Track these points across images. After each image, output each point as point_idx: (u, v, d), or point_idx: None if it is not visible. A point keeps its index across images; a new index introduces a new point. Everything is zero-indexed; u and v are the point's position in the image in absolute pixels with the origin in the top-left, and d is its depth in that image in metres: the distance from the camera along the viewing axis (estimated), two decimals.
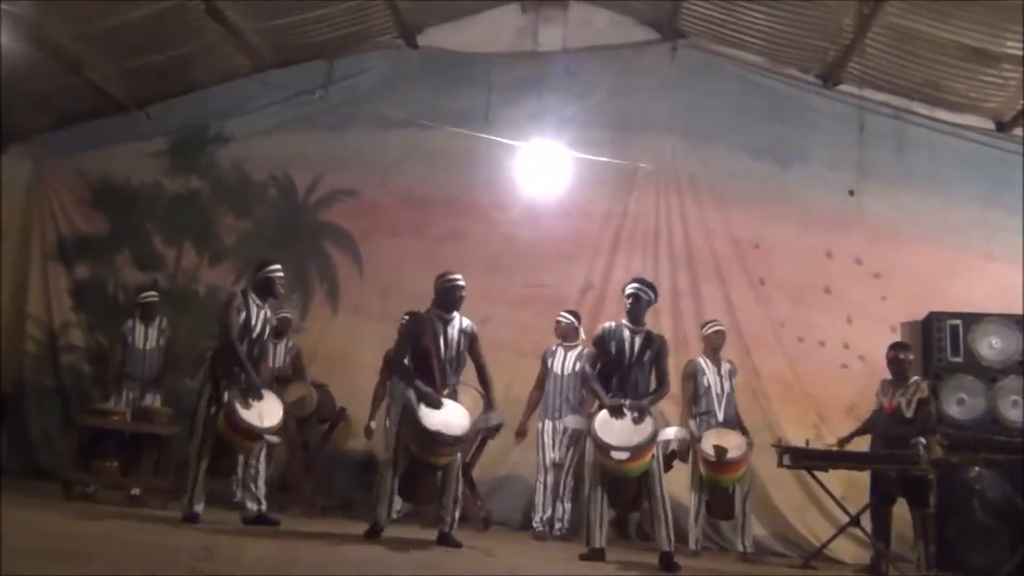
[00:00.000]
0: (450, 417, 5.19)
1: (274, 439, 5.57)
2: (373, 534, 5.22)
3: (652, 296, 5.60)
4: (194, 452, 5.54)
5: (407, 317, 5.59)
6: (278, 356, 7.42)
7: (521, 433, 7.05)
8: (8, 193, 9.20)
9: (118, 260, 9.10)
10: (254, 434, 5.41)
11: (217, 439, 5.48)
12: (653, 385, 5.56)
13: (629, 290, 5.57)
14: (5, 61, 7.58)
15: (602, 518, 5.29)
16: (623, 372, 5.45)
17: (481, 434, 7.02)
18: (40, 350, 8.92)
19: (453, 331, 5.48)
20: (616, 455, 5.09)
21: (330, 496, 7.53)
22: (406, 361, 5.43)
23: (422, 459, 5.24)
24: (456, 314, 5.52)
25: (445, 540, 5.24)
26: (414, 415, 5.11)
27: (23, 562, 2.79)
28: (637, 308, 5.53)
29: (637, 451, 5.11)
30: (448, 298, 5.49)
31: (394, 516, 6.66)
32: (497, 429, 5.90)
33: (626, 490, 5.33)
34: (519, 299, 8.36)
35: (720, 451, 6.18)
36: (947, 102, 8.28)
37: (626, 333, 5.51)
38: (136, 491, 6.70)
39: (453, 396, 5.38)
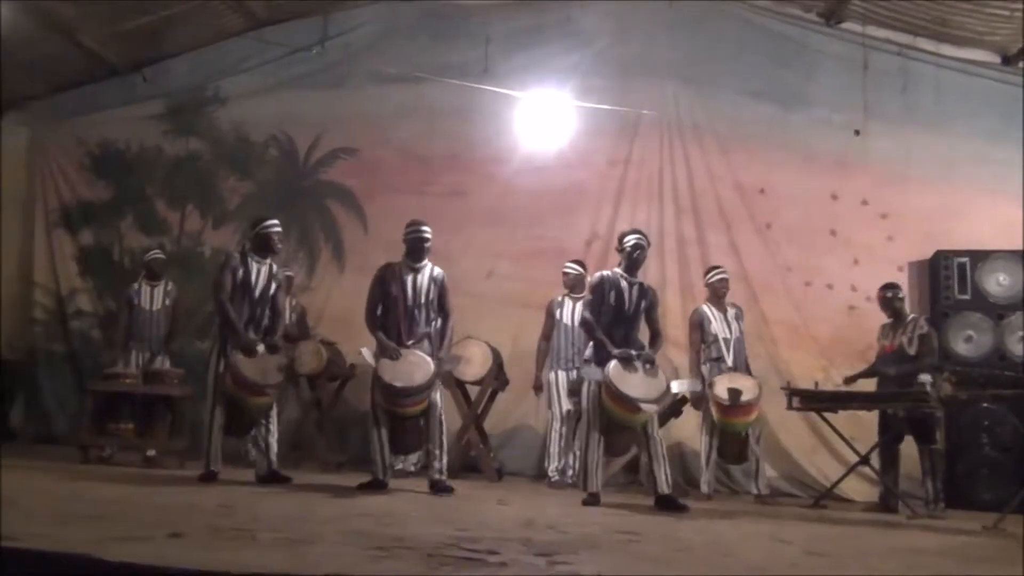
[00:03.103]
0: (406, 367, 5.30)
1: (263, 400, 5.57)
2: (369, 487, 5.30)
3: (648, 246, 5.63)
4: (208, 411, 5.62)
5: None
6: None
7: (538, 387, 7.08)
8: (8, 161, 9.18)
9: (122, 225, 9.13)
10: (257, 389, 5.46)
11: (229, 398, 5.54)
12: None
13: (632, 240, 5.53)
14: None
15: (598, 463, 5.35)
16: (623, 322, 5.47)
17: (486, 387, 7.12)
18: (49, 317, 8.99)
19: (422, 279, 5.58)
20: (646, 407, 5.14)
21: (343, 452, 7.61)
22: (378, 313, 5.60)
23: (391, 411, 5.37)
24: (427, 263, 5.63)
25: (436, 486, 5.33)
26: (375, 368, 5.30)
27: (44, 526, 2.84)
28: (641, 258, 5.53)
29: (659, 403, 5.21)
30: (413, 247, 5.61)
31: (411, 468, 6.78)
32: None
33: (620, 435, 5.41)
34: (523, 252, 8.35)
35: (734, 394, 6.22)
36: (952, 37, 8.15)
37: (623, 283, 5.49)
38: (151, 452, 6.77)
39: (427, 345, 5.50)
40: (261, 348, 5.62)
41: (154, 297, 7.40)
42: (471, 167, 8.66)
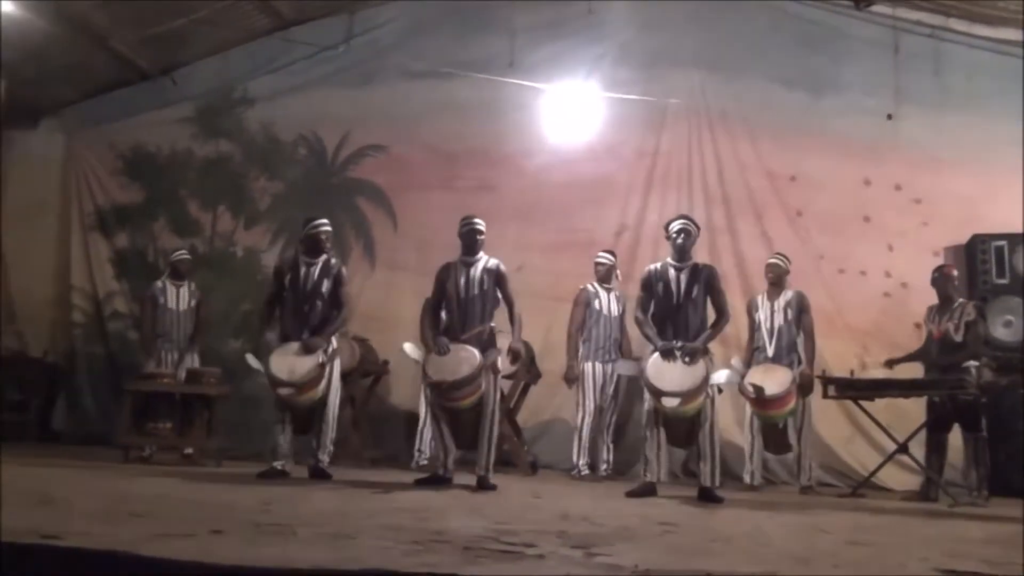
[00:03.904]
0: (453, 362, 5.31)
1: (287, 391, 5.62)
2: (427, 482, 5.36)
3: (697, 231, 5.55)
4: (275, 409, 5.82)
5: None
6: None
7: (571, 379, 7.01)
8: (44, 167, 9.33)
9: (155, 228, 9.23)
10: (277, 385, 5.56)
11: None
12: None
13: (678, 225, 5.48)
14: (32, 38, 7.65)
15: (658, 455, 5.32)
16: (673, 312, 5.38)
17: (518, 380, 7.11)
18: (87, 320, 9.14)
19: (476, 272, 5.56)
20: (667, 401, 5.10)
21: (378, 448, 7.66)
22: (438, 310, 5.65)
23: (442, 405, 5.42)
24: (481, 255, 5.62)
25: (480, 484, 5.33)
26: (424, 365, 5.36)
27: (88, 524, 2.88)
28: (688, 243, 5.46)
29: (689, 396, 5.10)
30: (466, 241, 5.64)
31: (424, 462, 6.81)
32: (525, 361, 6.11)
33: (680, 427, 5.33)
34: (553, 245, 8.34)
35: (758, 389, 6.11)
36: (985, 16, 8.01)
37: (671, 272, 5.44)
38: (190, 451, 6.86)
39: (486, 338, 5.47)
40: (296, 347, 5.68)
41: (180, 297, 7.47)
42: (499, 161, 8.67)
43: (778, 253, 7.03)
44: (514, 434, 7.21)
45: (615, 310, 7.07)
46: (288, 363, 5.59)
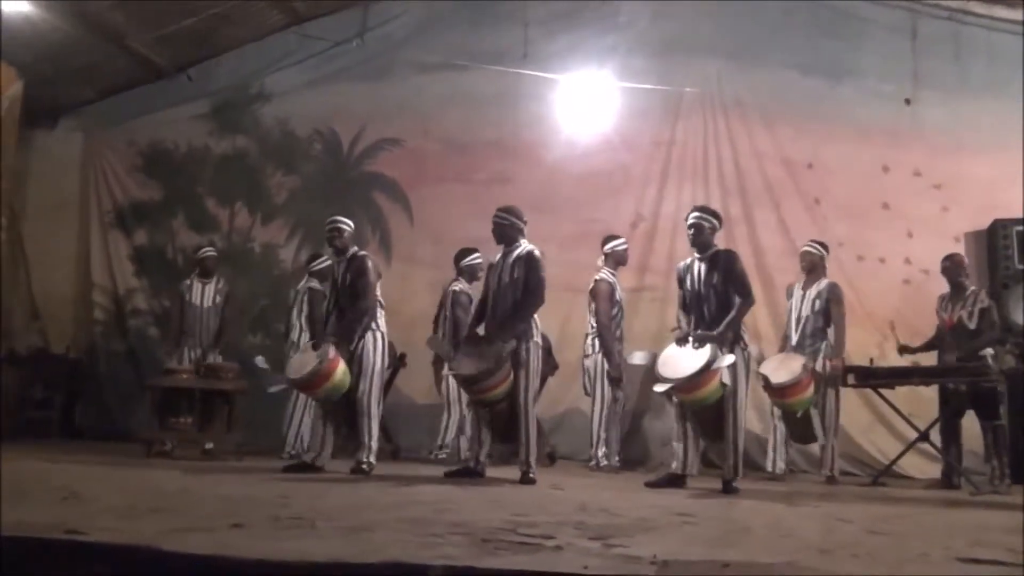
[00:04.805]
0: (475, 354, 5.35)
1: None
2: (457, 474, 5.42)
3: (715, 222, 5.48)
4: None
5: None
6: None
7: (619, 377, 6.78)
8: (64, 166, 9.42)
9: (174, 224, 9.31)
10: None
11: None
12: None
13: (690, 220, 5.48)
14: (50, 38, 7.71)
15: (686, 446, 5.29)
16: (698, 303, 5.38)
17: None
18: (108, 317, 9.23)
19: (508, 262, 5.54)
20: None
21: (397, 441, 7.68)
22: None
23: (472, 400, 5.49)
24: (517, 245, 5.57)
25: (522, 478, 5.30)
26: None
27: (110, 519, 2.91)
28: (700, 237, 5.43)
29: (690, 382, 5.05)
30: (495, 233, 5.63)
31: (442, 455, 6.85)
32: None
33: (707, 419, 5.26)
34: (570, 236, 8.30)
35: (764, 378, 6.08)
36: None
37: (696, 264, 5.43)
38: (210, 446, 6.91)
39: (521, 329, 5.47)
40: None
41: (205, 294, 7.52)
42: (515, 153, 8.66)
43: (813, 241, 6.97)
44: None
45: (624, 299, 7.05)
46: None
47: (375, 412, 5.81)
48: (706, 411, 5.23)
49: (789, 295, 6.75)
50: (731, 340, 5.23)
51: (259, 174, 9.24)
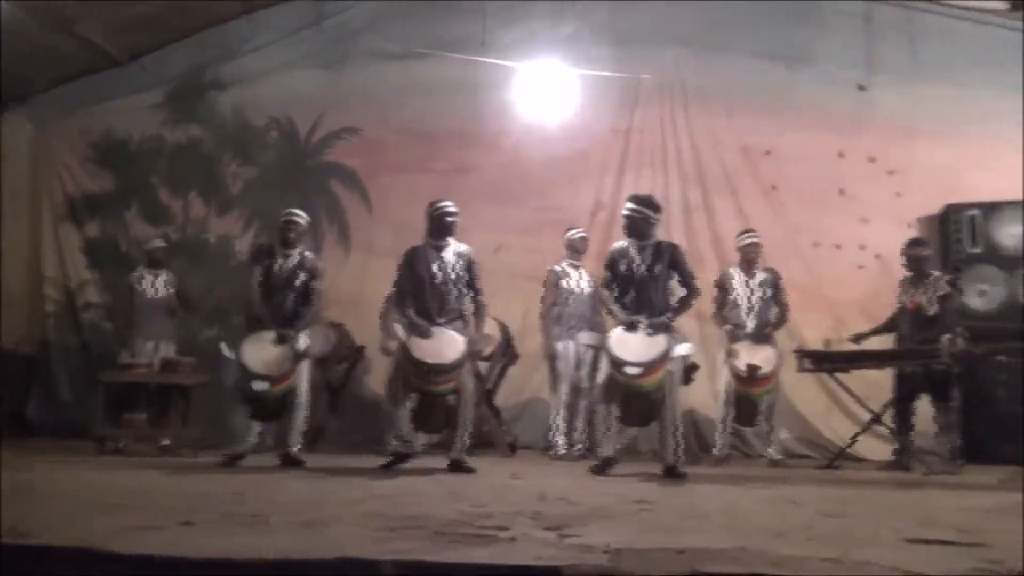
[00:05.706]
0: (437, 345, 5.28)
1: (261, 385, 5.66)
2: (392, 463, 5.35)
3: (650, 213, 5.47)
4: None
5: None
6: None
7: (552, 355, 6.94)
8: (12, 156, 9.17)
9: (127, 216, 9.10)
10: (253, 378, 5.60)
11: None
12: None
13: (623, 211, 5.54)
14: None
15: (612, 432, 5.35)
16: (637, 289, 5.41)
17: (496, 361, 7.10)
18: (60, 310, 9.01)
19: (448, 257, 5.55)
20: (629, 370, 5.10)
21: (357, 433, 7.63)
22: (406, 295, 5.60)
23: (421, 388, 5.36)
24: (451, 240, 5.60)
25: (455, 466, 5.33)
26: (405, 345, 5.27)
27: (58, 520, 2.85)
28: (633, 229, 5.46)
29: (651, 366, 5.10)
30: (438, 225, 5.59)
31: (418, 449, 6.79)
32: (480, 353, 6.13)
33: (640, 405, 5.32)
34: (531, 225, 8.31)
35: (753, 369, 6.21)
36: None
37: (634, 251, 5.45)
38: (166, 442, 6.79)
39: (461, 324, 5.48)
40: (270, 337, 5.68)
41: (156, 286, 7.42)
42: (474, 142, 8.61)
43: (751, 230, 7.01)
44: (493, 415, 7.20)
45: (586, 287, 7.01)
46: (263, 355, 5.62)
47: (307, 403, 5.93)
48: (639, 397, 5.28)
49: (730, 284, 6.74)
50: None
51: (214, 164, 9.07)
